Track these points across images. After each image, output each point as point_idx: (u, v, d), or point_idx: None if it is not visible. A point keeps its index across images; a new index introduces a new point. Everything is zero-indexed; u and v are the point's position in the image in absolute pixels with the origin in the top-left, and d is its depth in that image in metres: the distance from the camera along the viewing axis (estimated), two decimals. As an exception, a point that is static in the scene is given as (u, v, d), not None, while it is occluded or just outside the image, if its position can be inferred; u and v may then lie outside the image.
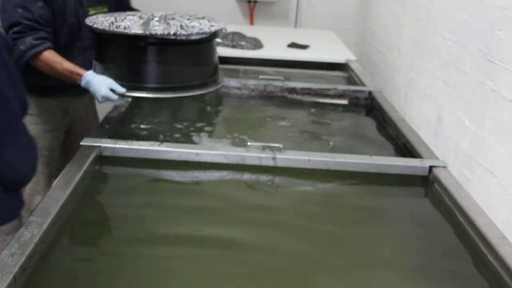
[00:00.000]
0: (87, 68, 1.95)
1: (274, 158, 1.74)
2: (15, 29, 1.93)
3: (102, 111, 2.04)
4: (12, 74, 1.37)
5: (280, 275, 1.30)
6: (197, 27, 2.05)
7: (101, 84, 1.87)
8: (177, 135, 2.04)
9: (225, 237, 1.44)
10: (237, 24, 3.95)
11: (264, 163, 1.75)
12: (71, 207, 1.44)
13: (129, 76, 2.08)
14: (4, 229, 1.61)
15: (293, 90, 2.54)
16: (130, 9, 2.39)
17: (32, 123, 2.04)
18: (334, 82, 2.76)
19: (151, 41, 2.00)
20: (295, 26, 4.48)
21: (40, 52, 1.93)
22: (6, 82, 1.33)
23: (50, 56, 1.94)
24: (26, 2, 1.94)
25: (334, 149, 2.03)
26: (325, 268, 1.35)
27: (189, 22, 2.12)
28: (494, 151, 1.78)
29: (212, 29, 2.06)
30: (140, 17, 2.14)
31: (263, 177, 1.74)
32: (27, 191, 1.83)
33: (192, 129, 2.11)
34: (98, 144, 1.72)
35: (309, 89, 2.54)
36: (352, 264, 1.37)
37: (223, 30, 2.19)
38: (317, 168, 1.75)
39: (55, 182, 1.48)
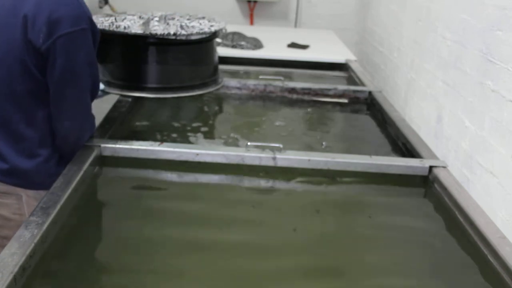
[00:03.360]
0: None
1: (274, 158, 1.74)
2: None
3: (102, 110, 2.03)
4: (91, 54, 1.58)
5: (280, 277, 1.30)
6: (197, 27, 2.06)
7: None
8: (177, 136, 2.04)
9: (226, 237, 1.44)
10: (237, 24, 3.95)
11: (264, 163, 1.75)
12: (71, 207, 1.44)
13: (129, 76, 2.08)
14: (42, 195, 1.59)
15: (293, 90, 2.54)
16: None
17: None
18: (334, 82, 2.76)
19: (151, 41, 2.00)
20: (295, 26, 4.48)
21: None
22: (83, 59, 1.56)
23: None
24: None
25: (332, 150, 2.03)
26: (325, 268, 1.35)
27: (189, 22, 2.12)
28: (494, 151, 1.78)
29: (212, 29, 2.07)
30: (140, 17, 2.14)
31: (263, 177, 1.74)
32: None
33: (192, 129, 2.11)
34: (98, 144, 1.72)
35: (309, 89, 2.54)
36: (352, 264, 1.37)
37: (223, 30, 2.20)
38: (317, 168, 1.75)
39: (55, 182, 1.48)
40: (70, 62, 1.53)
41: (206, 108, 2.41)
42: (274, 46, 3.32)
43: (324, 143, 2.07)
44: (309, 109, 2.43)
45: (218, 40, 2.32)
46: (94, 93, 1.69)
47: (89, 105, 1.66)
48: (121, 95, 2.14)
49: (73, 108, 1.61)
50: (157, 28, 2.01)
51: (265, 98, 2.52)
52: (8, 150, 1.62)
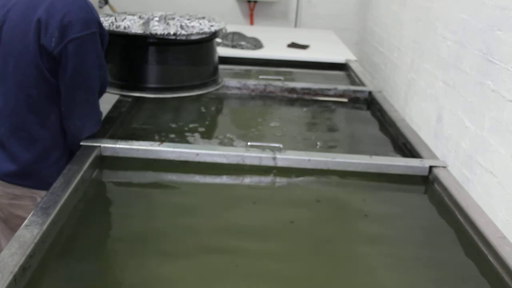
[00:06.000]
0: None
1: (274, 158, 1.74)
2: None
3: (102, 110, 2.03)
4: (100, 57, 1.63)
5: (279, 280, 1.30)
6: (197, 27, 2.06)
7: None
8: (177, 135, 2.04)
9: (226, 238, 1.44)
10: (237, 24, 3.95)
11: (264, 163, 1.75)
12: (71, 207, 1.44)
13: (129, 76, 2.08)
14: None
15: (293, 90, 2.54)
16: None
17: None
18: (334, 82, 2.76)
19: (151, 41, 2.00)
20: (295, 26, 4.48)
21: None
22: (94, 62, 1.60)
23: None
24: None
25: (331, 150, 2.02)
26: (326, 270, 1.35)
27: (189, 22, 2.12)
28: (494, 151, 1.78)
29: (212, 29, 2.07)
30: (140, 17, 2.14)
31: (263, 177, 1.74)
32: None
33: (191, 129, 2.11)
34: (98, 144, 1.72)
35: (309, 89, 2.54)
36: (353, 264, 1.37)
37: (223, 30, 2.20)
38: (317, 168, 1.75)
39: (55, 182, 1.48)
40: (80, 65, 1.57)
41: (206, 108, 2.41)
42: (274, 46, 3.32)
43: (318, 143, 2.07)
44: (304, 109, 2.43)
45: (218, 40, 2.32)
46: (102, 93, 1.74)
47: (97, 105, 1.71)
48: (121, 95, 2.14)
49: (83, 109, 1.66)
50: (157, 28, 2.01)
51: (265, 98, 2.52)
52: (22, 152, 1.65)
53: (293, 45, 3.39)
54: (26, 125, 1.63)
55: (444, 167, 1.74)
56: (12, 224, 1.72)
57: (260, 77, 2.62)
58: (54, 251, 1.28)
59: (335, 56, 3.21)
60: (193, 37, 2.03)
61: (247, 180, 1.74)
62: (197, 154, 1.75)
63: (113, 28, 1.95)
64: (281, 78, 2.60)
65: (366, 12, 4.11)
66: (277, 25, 4.43)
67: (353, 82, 2.84)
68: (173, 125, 2.14)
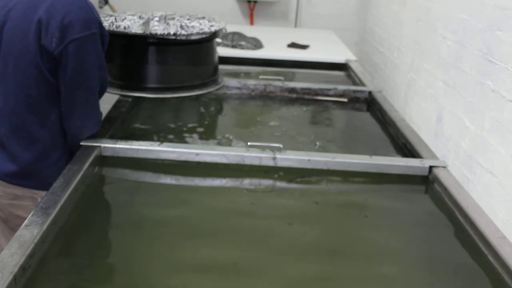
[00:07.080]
0: None
1: (274, 158, 1.74)
2: None
3: (102, 110, 2.03)
4: (100, 57, 1.62)
5: (282, 281, 1.30)
6: (197, 27, 2.06)
7: None
8: (176, 135, 2.04)
9: (227, 238, 1.44)
10: (237, 24, 3.95)
11: (264, 163, 1.75)
12: (71, 207, 1.44)
13: (129, 76, 2.09)
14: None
15: (293, 90, 2.54)
16: None
17: None
18: (334, 82, 2.76)
19: (151, 41, 2.00)
20: (295, 26, 4.48)
21: None
22: (94, 62, 1.60)
23: None
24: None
25: (330, 150, 2.02)
26: (328, 271, 1.35)
27: (189, 22, 2.12)
28: (494, 151, 1.78)
29: (212, 29, 2.07)
30: (140, 17, 2.14)
31: (263, 177, 1.74)
32: None
33: (191, 129, 2.11)
34: (98, 144, 1.72)
35: (309, 89, 2.54)
36: (353, 265, 1.37)
37: (223, 30, 2.20)
38: (317, 168, 1.75)
39: (55, 182, 1.48)
40: (80, 66, 1.57)
41: (206, 108, 2.41)
42: (274, 46, 3.32)
43: (317, 143, 2.07)
44: (304, 109, 2.43)
45: (218, 40, 2.32)
46: (102, 93, 1.74)
47: (97, 105, 1.71)
48: (121, 95, 2.14)
49: (83, 109, 1.66)
50: (157, 28, 2.01)
51: (265, 98, 2.52)
52: (22, 152, 1.66)
53: (293, 45, 3.39)
54: (26, 125, 1.63)
55: (444, 167, 1.74)
56: (12, 224, 1.73)
57: (260, 77, 2.62)
58: (54, 251, 1.28)
59: (335, 56, 3.21)
60: (193, 37, 2.03)
61: (247, 180, 1.74)
62: (197, 154, 1.75)
63: (113, 28, 1.95)
64: (281, 78, 2.60)
65: (366, 12, 4.11)
66: (277, 25, 4.43)
67: (353, 82, 2.84)
68: (173, 125, 2.15)
